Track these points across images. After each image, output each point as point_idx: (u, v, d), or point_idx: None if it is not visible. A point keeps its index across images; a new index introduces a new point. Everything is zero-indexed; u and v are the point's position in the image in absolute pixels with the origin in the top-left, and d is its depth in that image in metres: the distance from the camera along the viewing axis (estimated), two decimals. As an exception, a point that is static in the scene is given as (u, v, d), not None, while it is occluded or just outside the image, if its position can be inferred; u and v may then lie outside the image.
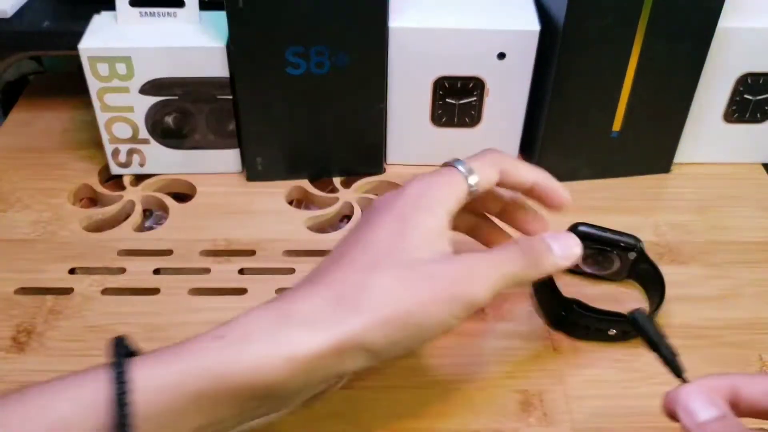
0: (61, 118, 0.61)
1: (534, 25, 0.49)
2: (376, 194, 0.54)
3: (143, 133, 0.52)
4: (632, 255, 0.44)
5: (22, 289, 0.45)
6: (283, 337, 0.29)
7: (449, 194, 0.34)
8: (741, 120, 0.55)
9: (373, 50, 0.49)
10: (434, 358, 0.41)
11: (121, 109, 0.51)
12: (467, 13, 0.50)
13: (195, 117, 0.52)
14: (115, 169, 0.54)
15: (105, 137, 0.52)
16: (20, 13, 0.58)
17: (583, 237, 0.43)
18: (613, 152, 0.54)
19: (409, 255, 0.31)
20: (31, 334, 0.42)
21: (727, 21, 0.48)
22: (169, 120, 0.52)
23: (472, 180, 0.35)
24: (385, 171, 0.56)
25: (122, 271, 0.46)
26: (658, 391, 0.39)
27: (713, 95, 0.53)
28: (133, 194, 0.53)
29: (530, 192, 0.38)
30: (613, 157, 0.54)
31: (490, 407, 0.38)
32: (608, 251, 0.44)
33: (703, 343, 0.42)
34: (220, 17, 0.49)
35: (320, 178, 0.55)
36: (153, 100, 0.51)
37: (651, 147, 0.55)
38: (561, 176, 0.39)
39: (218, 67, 0.50)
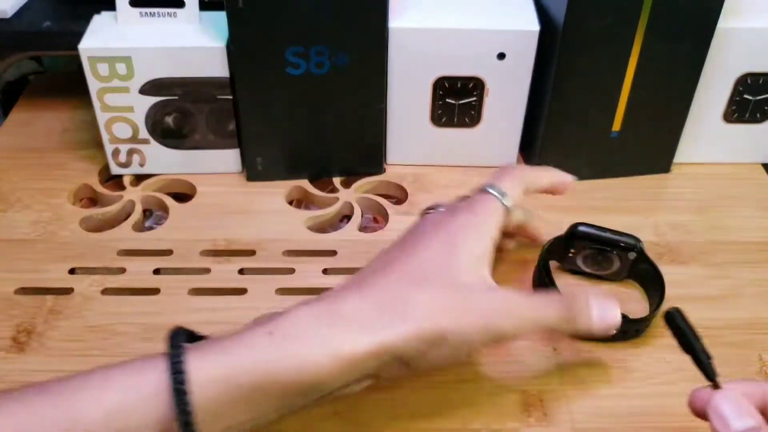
0: (61, 118, 0.61)
1: (534, 25, 0.49)
2: (376, 194, 0.54)
3: (143, 133, 0.52)
4: (632, 255, 0.44)
5: (22, 289, 0.45)
6: (331, 337, 0.30)
7: (492, 221, 0.37)
8: (741, 120, 0.55)
9: (373, 50, 0.49)
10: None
11: (121, 109, 0.51)
12: (467, 13, 0.50)
13: (195, 117, 0.52)
14: (115, 169, 0.55)
15: (105, 137, 0.52)
16: (20, 13, 0.58)
17: (583, 237, 0.44)
18: (613, 152, 0.54)
19: (454, 277, 0.34)
20: (31, 334, 0.42)
21: (726, 21, 0.48)
22: (169, 120, 0.52)
23: (507, 202, 0.38)
24: (385, 171, 0.56)
25: (122, 271, 0.46)
26: (658, 391, 0.39)
27: (713, 95, 0.53)
28: (133, 194, 0.53)
29: (544, 190, 0.42)
30: (613, 157, 0.54)
31: (490, 407, 0.38)
32: (608, 251, 0.44)
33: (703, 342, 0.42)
34: (220, 17, 0.49)
35: (320, 178, 0.55)
36: (153, 100, 0.51)
37: (651, 147, 0.55)
38: (561, 176, 0.39)
39: (218, 67, 0.50)
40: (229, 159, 0.54)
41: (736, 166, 0.57)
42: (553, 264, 0.45)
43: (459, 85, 0.52)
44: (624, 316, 0.41)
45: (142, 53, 0.49)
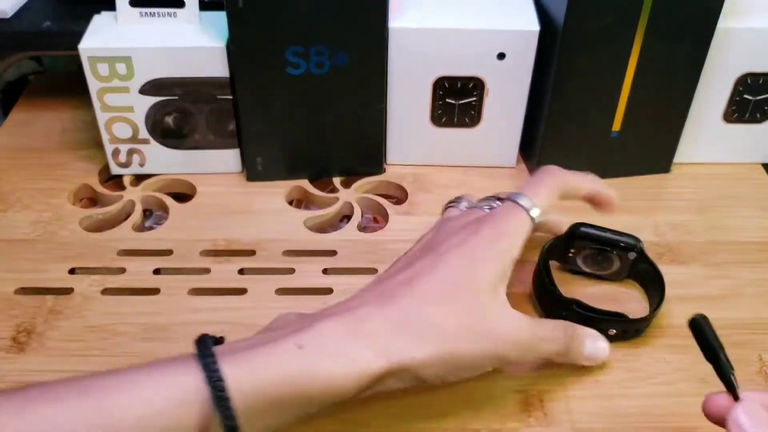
0: (61, 118, 0.61)
1: (534, 25, 0.49)
2: (376, 194, 0.54)
3: (143, 133, 0.52)
4: (632, 255, 0.44)
5: (22, 289, 0.45)
6: (356, 354, 0.32)
7: (516, 240, 0.37)
8: (741, 120, 0.55)
9: (373, 50, 0.49)
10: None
11: (121, 109, 0.51)
12: (467, 13, 0.50)
13: (195, 117, 0.52)
14: (115, 169, 0.55)
15: (105, 137, 0.52)
16: (20, 13, 0.58)
17: (583, 237, 0.44)
18: (613, 152, 0.54)
19: (473, 298, 0.35)
20: (31, 334, 0.42)
21: (726, 21, 0.48)
22: (169, 120, 0.52)
23: (535, 213, 0.38)
24: (385, 171, 0.56)
25: (122, 271, 0.46)
26: (658, 391, 0.39)
27: (713, 95, 0.53)
28: (133, 194, 0.53)
29: (583, 198, 0.41)
30: (613, 157, 0.54)
31: (490, 407, 0.38)
32: (608, 251, 0.44)
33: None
34: (220, 17, 0.50)
35: (320, 178, 0.55)
36: (153, 100, 0.51)
37: (651, 147, 0.55)
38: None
39: (218, 67, 0.50)
40: (229, 159, 0.54)
41: (736, 166, 0.57)
42: (553, 264, 0.45)
43: (459, 85, 0.52)
44: (624, 316, 0.41)
45: (142, 53, 0.49)
